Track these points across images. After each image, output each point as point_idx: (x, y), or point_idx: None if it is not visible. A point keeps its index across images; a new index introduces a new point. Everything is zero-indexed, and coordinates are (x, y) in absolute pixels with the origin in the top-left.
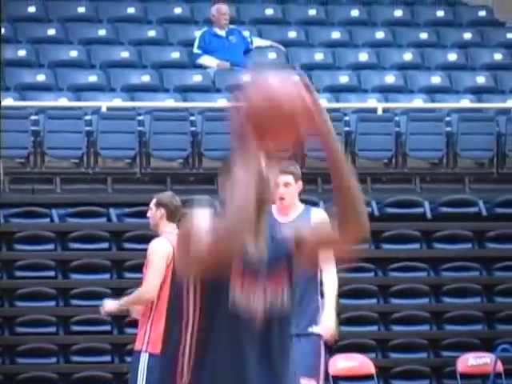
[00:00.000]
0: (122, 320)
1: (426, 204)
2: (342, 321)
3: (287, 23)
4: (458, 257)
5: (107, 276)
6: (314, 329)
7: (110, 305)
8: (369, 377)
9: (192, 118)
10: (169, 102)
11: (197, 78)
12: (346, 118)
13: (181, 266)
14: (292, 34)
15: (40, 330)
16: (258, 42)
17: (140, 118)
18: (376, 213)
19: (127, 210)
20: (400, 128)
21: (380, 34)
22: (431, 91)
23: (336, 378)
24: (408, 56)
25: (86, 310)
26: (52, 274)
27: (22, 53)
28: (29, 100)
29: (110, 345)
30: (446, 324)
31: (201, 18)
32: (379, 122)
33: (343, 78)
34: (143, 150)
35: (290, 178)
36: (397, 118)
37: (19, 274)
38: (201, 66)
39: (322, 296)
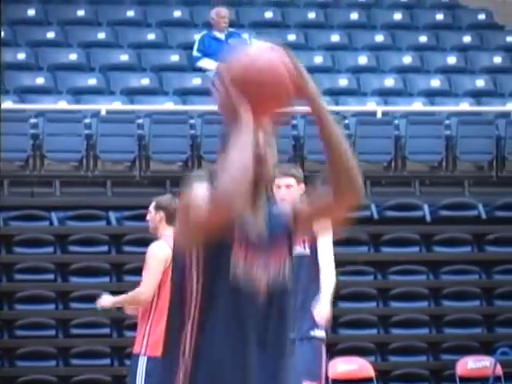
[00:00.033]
0: (122, 323)
1: (426, 207)
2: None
3: (287, 26)
4: (458, 260)
5: (107, 279)
6: (315, 332)
7: (106, 300)
8: (368, 380)
9: (191, 121)
10: (168, 105)
11: (196, 81)
12: (346, 122)
13: (182, 237)
14: (291, 37)
15: (39, 333)
16: None
17: (139, 121)
18: (375, 216)
19: (127, 213)
20: (399, 131)
21: (379, 38)
22: (431, 94)
23: (335, 382)
24: (407, 59)
25: (86, 313)
26: (51, 277)
27: (21, 56)
28: (28, 103)
29: (109, 348)
30: (446, 327)
31: (200, 21)
32: (379, 126)
33: (342, 81)
34: (143, 153)
35: (291, 180)
36: (396, 122)
37: (18, 277)
38: (200, 69)
39: None
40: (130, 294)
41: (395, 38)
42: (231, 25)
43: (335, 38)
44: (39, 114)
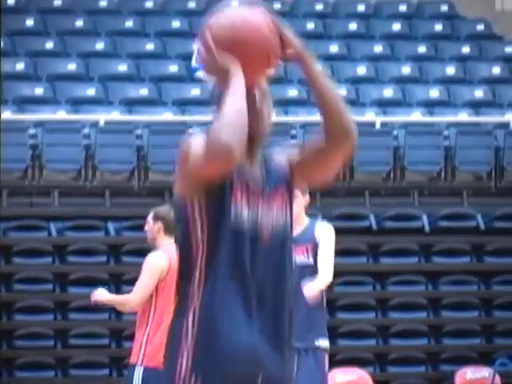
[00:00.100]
0: (120, 334)
1: (425, 217)
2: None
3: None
4: (457, 270)
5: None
6: (320, 342)
7: (102, 294)
8: None
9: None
10: (167, 116)
11: (195, 92)
12: None
13: (182, 188)
14: None
15: (38, 343)
16: None
17: (138, 131)
18: (374, 226)
19: (125, 223)
20: (398, 142)
21: (378, 48)
22: (429, 105)
23: None
24: (406, 69)
25: (84, 324)
26: (50, 287)
27: (20, 66)
28: (27, 113)
29: (107, 358)
30: (445, 338)
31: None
32: (377, 136)
33: (341, 92)
34: (141, 164)
35: (296, 191)
36: (395, 132)
37: (17, 287)
38: (199, 80)
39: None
40: (122, 297)
41: (394, 49)
42: None
43: (334, 48)
44: (38, 124)
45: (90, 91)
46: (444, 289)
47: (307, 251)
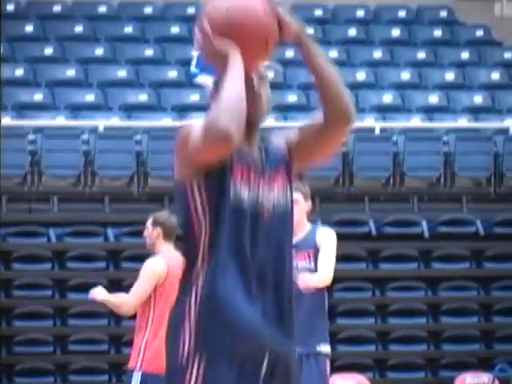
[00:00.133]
0: (120, 340)
1: (424, 223)
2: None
3: (284, 43)
4: (456, 276)
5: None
6: (321, 347)
7: (99, 293)
8: None
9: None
10: (166, 121)
11: (194, 98)
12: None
13: (181, 171)
14: (289, 54)
15: (37, 349)
16: None
17: (137, 137)
18: (374, 232)
19: (124, 229)
20: (397, 147)
21: (377, 54)
22: (429, 110)
23: None
24: (405, 75)
25: (84, 330)
26: (49, 293)
27: (19, 72)
28: (26, 119)
29: (107, 364)
30: (444, 343)
31: None
32: (377, 142)
33: None
34: (141, 170)
35: (299, 196)
36: (394, 138)
37: (16, 293)
38: (198, 86)
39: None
40: (118, 298)
41: (393, 54)
42: None
43: (333, 54)
44: (37, 130)
45: (90, 97)
46: (443, 294)
47: (309, 257)
